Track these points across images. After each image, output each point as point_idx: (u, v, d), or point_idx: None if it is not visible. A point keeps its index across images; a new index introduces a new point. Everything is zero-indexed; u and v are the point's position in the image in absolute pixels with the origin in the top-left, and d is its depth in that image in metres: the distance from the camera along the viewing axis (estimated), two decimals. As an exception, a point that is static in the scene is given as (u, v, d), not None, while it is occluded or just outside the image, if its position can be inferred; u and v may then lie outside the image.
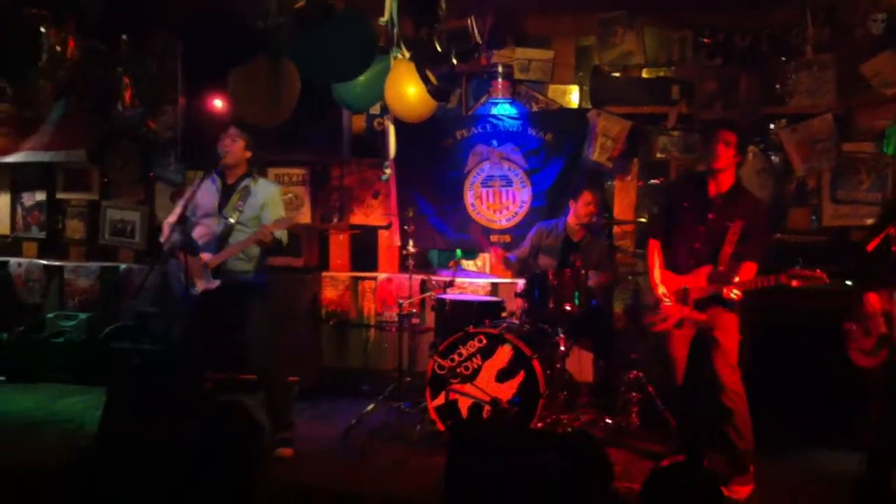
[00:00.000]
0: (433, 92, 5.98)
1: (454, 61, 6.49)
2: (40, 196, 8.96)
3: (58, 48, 7.74)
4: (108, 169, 8.72)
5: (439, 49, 6.13)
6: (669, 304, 5.35)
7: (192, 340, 5.90)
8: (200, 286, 5.74)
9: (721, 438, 5.27)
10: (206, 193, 5.86)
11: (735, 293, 5.11)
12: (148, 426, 4.60)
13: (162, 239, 5.92)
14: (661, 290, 5.41)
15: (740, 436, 5.20)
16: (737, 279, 5.12)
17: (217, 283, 5.72)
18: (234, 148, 5.81)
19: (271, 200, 5.89)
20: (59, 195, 8.93)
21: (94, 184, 8.78)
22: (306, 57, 6.26)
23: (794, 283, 4.94)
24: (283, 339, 6.24)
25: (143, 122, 8.40)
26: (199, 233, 5.82)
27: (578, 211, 6.72)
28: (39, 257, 8.93)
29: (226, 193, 5.85)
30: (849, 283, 6.20)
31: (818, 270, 4.90)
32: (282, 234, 5.79)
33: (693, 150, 7.28)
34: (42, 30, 7.73)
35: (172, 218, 5.86)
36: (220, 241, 5.75)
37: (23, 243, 9.07)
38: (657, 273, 5.48)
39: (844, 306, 5.83)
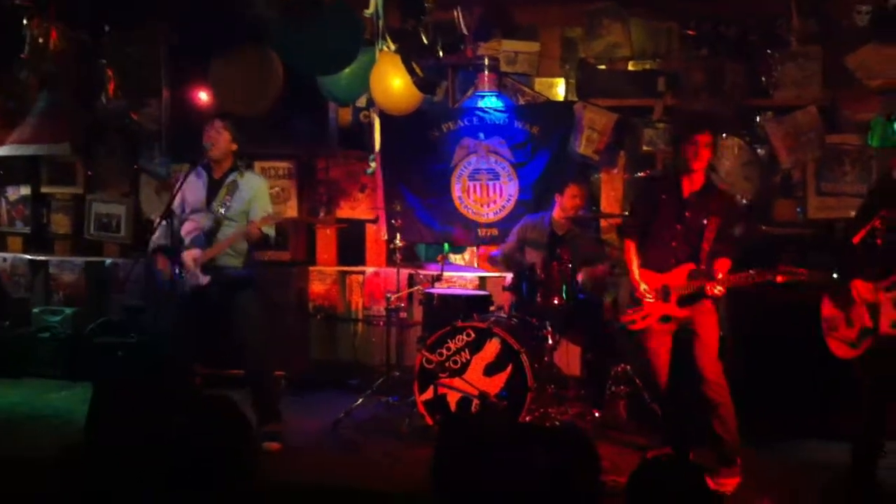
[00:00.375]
0: (420, 84, 5.98)
1: (440, 53, 6.47)
2: (25, 190, 8.88)
3: (40, 40, 7.66)
4: (93, 161, 8.67)
5: (425, 41, 6.11)
6: (651, 301, 5.38)
7: (180, 335, 5.88)
8: (191, 283, 5.72)
9: (707, 431, 5.30)
10: (193, 188, 5.83)
11: (718, 289, 5.14)
12: (135, 421, 4.58)
13: (153, 237, 5.88)
14: (643, 286, 5.42)
15: (725, 428, 5.23)
16: (720, 276, 5.15)
17: (207, 278, 5.69)
18: (220, 140, 5.76)
19: (259, 194, 5.85)
20: (44, 189, 8.86)
21: (79, 178, 8.71)
22: (292, 49, 6.24)
23: (779, 278, 4.98)
24: (270, 333, 6.23)
25: (126, 114, 8.33)
26: (187, 228, 5.79)
27: (565, 204, 6.71)
28: (24, 252, 8.87)
29: (213, 188, 5.82)
30: (835, 275, 6.23)
31: (802, 269, 4.98)
32: (270, 229, 5.76)
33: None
34: (24, 21, 7.65)
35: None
36: (208, 236, 5.72)
37: (7, 238, 9.01)
38: (636, 271, 5.49)
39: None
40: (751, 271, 5.07)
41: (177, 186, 5.86)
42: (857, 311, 4.87)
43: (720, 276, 5.15)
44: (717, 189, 5.51)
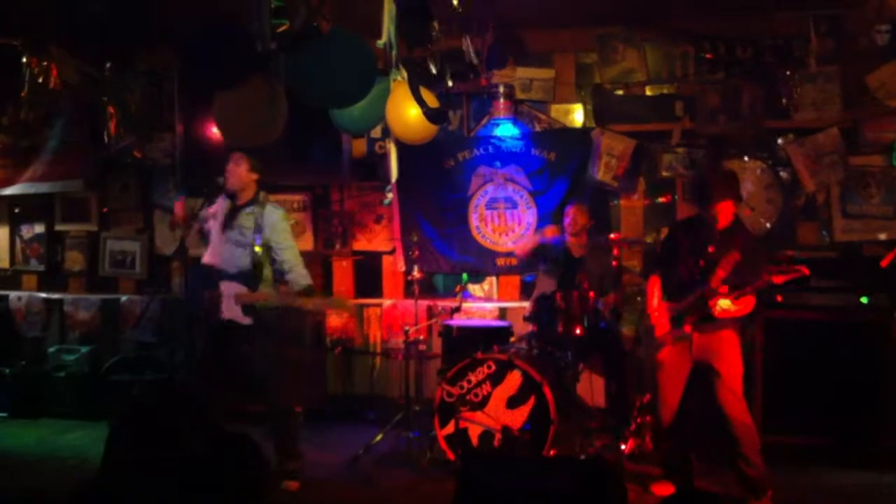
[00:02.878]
0: (429, 115, 5.90)
1: (449, 83, 6.42)
2: (39, 228, 8.86)
3: (40, 79, 7.63)
4: (107, 197, 8.66)
5: (433, 71, 6.06)
6: (662, 332, 5.46)
7: (201, 370, 5.83)
8: (228, 315, 5.66)
9: (732, 467, 5.29)
10: (217, 210, 5.87)
11: (722, 304, 5.15)
12: (152, 459, 4.50)
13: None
14: (655, 314, 5.53)
15: (749, 464, 5.22)
16: (724, 289, 5.16)
17: (248, 319, 5.62)
18: (238, 171, 5.75)
19: (277, 226, 5.77)
20: (58, 227, 8.84)
21: (93, 214, 8.69)
22: (305, 83, 6.19)
23: (776, 278, 4.98)
24: (288, 368, 6.14)
25: (130, 152, 8.30)
26: (207, 259, 5.78)
27: (567, 228, 6.67)
28: (39, 290, 8.83)
29: (233, 212, 5.79)
30: (864, 299, 6.15)
31: (798, 266, 4.99)
32: (300, 276, 5.74)
33: (698, 167, 7.22)
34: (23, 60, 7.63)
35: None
36: (254, 274, 5.66)
37: (22, 276, 8.98)
38: (655, 300, 5.59)
39: (860, 321, 5.79)
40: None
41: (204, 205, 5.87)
42: None
43: (724, 289, 5.15)
44: (742, 225, 5.52)
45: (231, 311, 5.64)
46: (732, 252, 5.20)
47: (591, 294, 6.12)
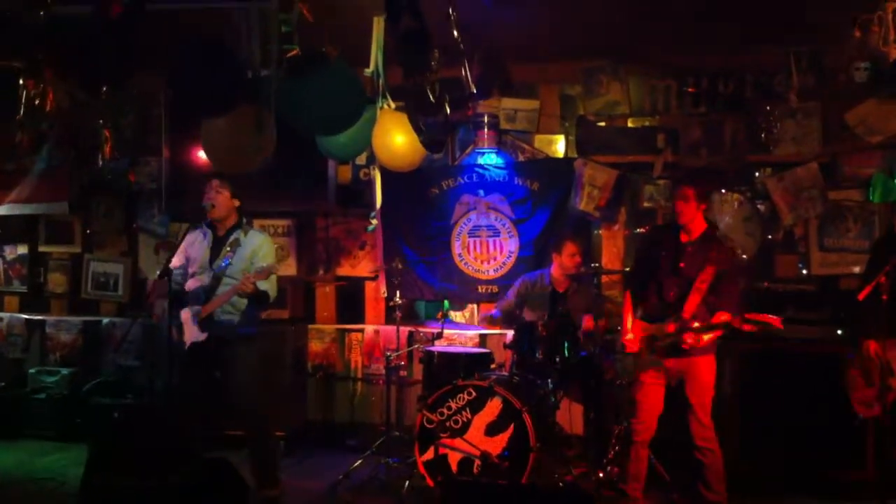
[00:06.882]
0: (426, 143, 5.95)
1: (448, 111, 6.46)
2: (22, 249, 8.85)
3: (36, 101, 7.63)
4: (91, 220, 8.66)
5: (432, 99, 6.10)
6: (633, 350, 5.48)
7: (179, 395, 5.81)
8: (189, 339, 5.67)
9: (692, 490, 5.39)
10: (198, 247, 5.84)
11: (692, 340, 5.17)
12: (131, 483, 4.50)
13: (148, 291, 5.87)
14: (629, 336, 5.54)
15: (710, 490, 5.31)
16: (696, 325, 5.17)
17: (204, 335, 5.64)
18: (220, 199, 5.76)
19: (260, 250, 5.80)
20: (42, 248, 8.83)
21: (77, 236, 8.69)
22: (295, 110, 6.23)
23: (746, 327, 5.03)
24: (268, 393, 6.14)
25: (124, 174, 8.31)
26: (191, 285, 5.76)
27: (564, 262, 6.67)
28: (21, 311, 8.81)
29: (216, 246, 5.81)
30: (840, 331, 6.21)
31: (771, 315, 4.98)
32: (269, 286, 5.70)
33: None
34: (20, 82, 7.63)
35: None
36: (206, 293, 5.68)
37: (4, 297, 8.96)
38: (629, 321, 5.60)
39: (836, 353, 5.84)
40: (720, 319, 5.13)
41: (179, 244, 5.84)
42: (875, 370, 4.86)
43: (696, 325, 5.17)
44: (715, 239, 5.52)
45: (192, 335, 5.69)
46: (706, 268, 5.19)
47: (572, 323, 6.15)
